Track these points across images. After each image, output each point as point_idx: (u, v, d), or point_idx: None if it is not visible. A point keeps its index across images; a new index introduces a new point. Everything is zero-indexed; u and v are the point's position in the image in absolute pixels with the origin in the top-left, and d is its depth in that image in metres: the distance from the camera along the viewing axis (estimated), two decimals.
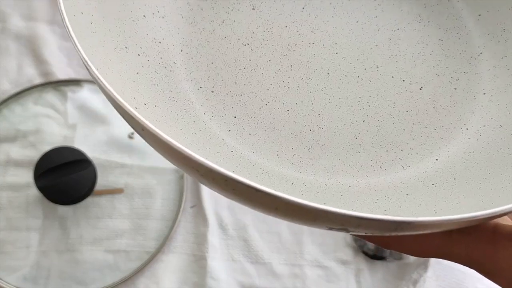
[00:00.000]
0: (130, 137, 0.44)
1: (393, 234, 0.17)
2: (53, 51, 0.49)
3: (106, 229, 0.41)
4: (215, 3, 0.28)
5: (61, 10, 0.19)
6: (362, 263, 0.42)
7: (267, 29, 0.28)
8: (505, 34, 0.28)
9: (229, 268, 0.42)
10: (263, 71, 0.27)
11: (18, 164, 0.43)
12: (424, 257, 0.21)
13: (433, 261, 0.41)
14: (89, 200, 0.42)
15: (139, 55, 0.25)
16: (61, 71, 0.48)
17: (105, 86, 0.17)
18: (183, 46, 0.27)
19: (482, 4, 0.29)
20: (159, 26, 0.27)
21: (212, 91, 0.26)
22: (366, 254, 0.42)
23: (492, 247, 0.19)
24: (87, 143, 0.44)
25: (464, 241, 0.20)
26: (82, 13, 0.21)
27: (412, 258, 0.42)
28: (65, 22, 0.19)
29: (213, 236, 0.43)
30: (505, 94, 0.26)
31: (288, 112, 0.26)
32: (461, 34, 0.28)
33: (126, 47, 0.24)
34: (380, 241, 0.22)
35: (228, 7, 0.28)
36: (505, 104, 0.26)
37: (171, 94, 0.25)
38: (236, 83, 0.26)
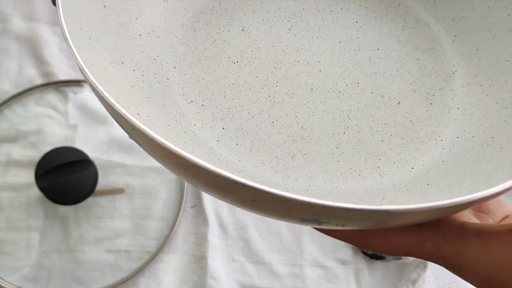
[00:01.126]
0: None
1: (362, 225, 0.19)
2: (54, 51, 0.49)
3: (107, 229, 0.42)
4: (207, 24, 0.30)
5: (62, 24, 0.21)
6: (362, 262, 0.42)
7: (255, 48, 0.30)
8: (478, 53, 0.29)
9: (229, 268, 0.42)
10: (251, 87, 0.28)
11: (19, 164, 0.44)
12: (397, 255, 0.22)
13: None
14: (90, 200, 0.42)
15: (134, 70, 0.27)
16: (62, 72, 0.48)
17: (98, 88, 0.18)
18: (176, 64, 0.29)
19: (458, 26, 0.31)
20: (154, 45, 0.29)
21: (203, 105, 0.28)
22: (365, 254, 0.42)
23: (459, 243, 0.21)
24: (88, 143, 0.44)
25: (433, 239, 0.21)
26: (81, 28, 0.23)
27: (411, 258, 0.42)
28: (65, 35, 0.21)
29: (213, 236, 0.43)
30: (477, 108, 0.28)
31: (273, 124, 0.27)
32: (437, 54, 0.30)
33: (122, 62, 0.26)
34: (357, 241, 0.23)
35: (219, 28, 0.30)
36: (477, 117, 0.27)
37: (163, 107, 0.27)
38: (225, 97, 0.28)
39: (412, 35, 0.31)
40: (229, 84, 0.28)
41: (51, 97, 0.47)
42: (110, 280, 0.41)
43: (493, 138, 0.25)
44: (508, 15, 0.29)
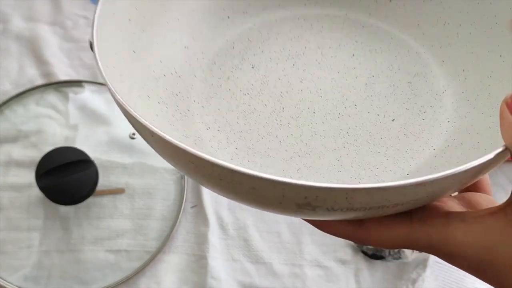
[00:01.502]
0: (131, 137, 0.45)
1: (350, 208, 0.21)
2: (54, 52, 0.50)
3: (108, 229, 0.42)
4: (222, 65, 0.35)
5: (97, 62, 0.25)
6: (362, 262, 0.42)
7: (263, 81, 0.34)
8: (465, 73, 0.33)
9: (230, 267, 0.43)
10: (260, 113, 0.32)
11: (19, 164, 0.44)
12: (392, 248, 0.25)
13: (431, 261, 0.42)
14: (90, 200, 0.42)
15: (159, 103, 0.31)
16: (62, 72, 0.49)
17: (117, 97, 0.23)
18: (195, 98, 0.33)
19: (445, 52, 0.34)
20: (176, 83, 0.33)
21: (218, 130, 0.32)
22: (365, 253, 0.43)
23: (446, 229, 0.23)
24: (88, 144, 0.44)
25: (423, 229, 0.23)
26: (114, 67, 0.28)
27: (410, 258, 0.43)
28: (100, 71, 0.25)
29: (214, 236, 0.44)
30: (466, 120, 0.30)
31: (280, 143, 0.31)
32: (427, 77, 0.34)
33: (148, 97, 0.31)
34: (350, 235, 0.25)
35: (232, 67, 0.35)
36: (466, 128, 0.30)
37: (184, 132, 0.31)
38: (237, 123, 0.32)
39: (404, 62, 0.35)
40: (241, 112, 0.32)
41: (52, 97, 0.47)
42: (111, 280, 0.41)
43: (479, 143, 0.28)
44: (488, 37, 0.32)
